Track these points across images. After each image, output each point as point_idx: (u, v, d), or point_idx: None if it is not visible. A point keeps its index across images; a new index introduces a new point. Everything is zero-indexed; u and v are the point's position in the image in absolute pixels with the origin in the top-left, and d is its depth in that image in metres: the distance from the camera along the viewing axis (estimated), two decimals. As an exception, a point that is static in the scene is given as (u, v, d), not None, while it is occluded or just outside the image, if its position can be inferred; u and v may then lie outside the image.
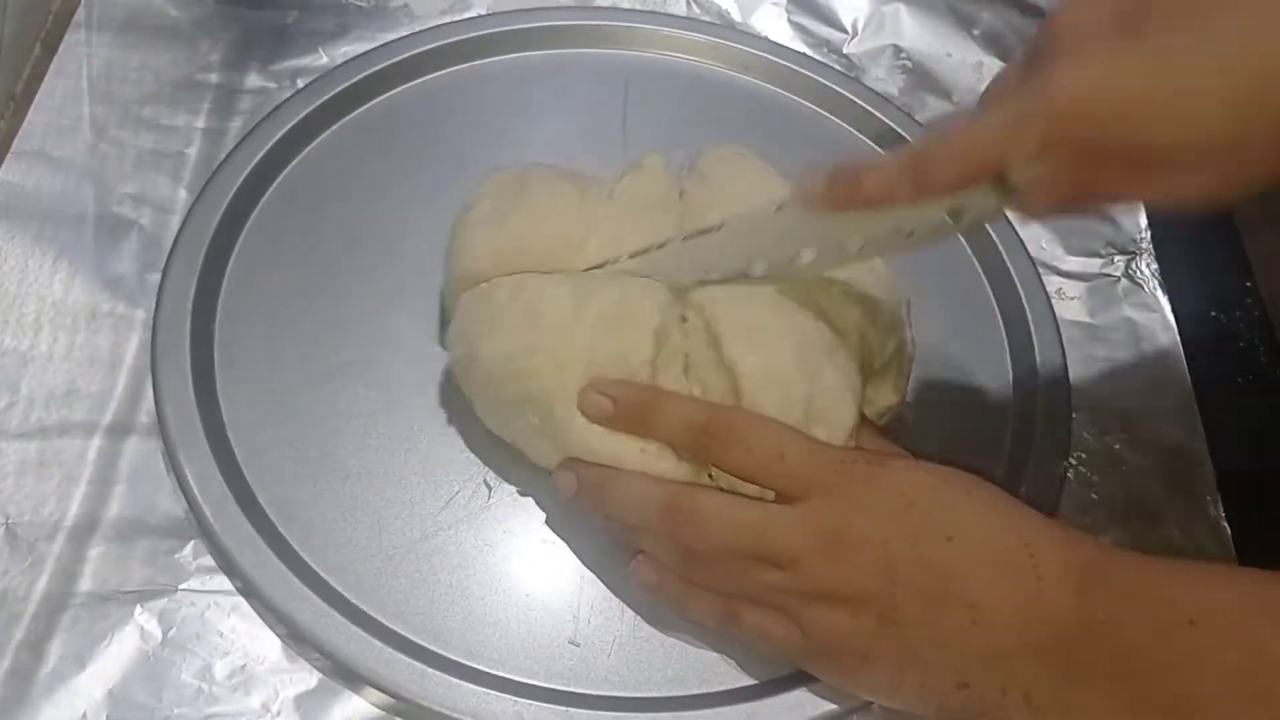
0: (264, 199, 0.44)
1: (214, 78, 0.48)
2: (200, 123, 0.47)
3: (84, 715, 0.33)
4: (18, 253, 0.42)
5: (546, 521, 0.38)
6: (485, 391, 0.36)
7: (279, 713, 0.34)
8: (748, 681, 0.35)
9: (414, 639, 0.34)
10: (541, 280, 0.36)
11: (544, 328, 0.34)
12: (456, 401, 0.39)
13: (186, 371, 0.38)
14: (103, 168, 0.45)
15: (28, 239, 0.42)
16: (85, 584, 0.35)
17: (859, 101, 0.50)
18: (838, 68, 0.53)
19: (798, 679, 0.34)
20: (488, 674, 0.34)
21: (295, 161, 0.45)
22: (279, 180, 0.44)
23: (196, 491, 0.36)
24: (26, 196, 0.43)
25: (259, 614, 0.35)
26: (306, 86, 0.47)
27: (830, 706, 0.34)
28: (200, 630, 0.35)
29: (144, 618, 0.35)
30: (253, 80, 0.48)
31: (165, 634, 0.34)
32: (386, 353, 0.40)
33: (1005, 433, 0.42)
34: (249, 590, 0.35)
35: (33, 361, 0.39)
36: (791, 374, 0.34)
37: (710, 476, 0.34)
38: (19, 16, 0.47)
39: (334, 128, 0.46)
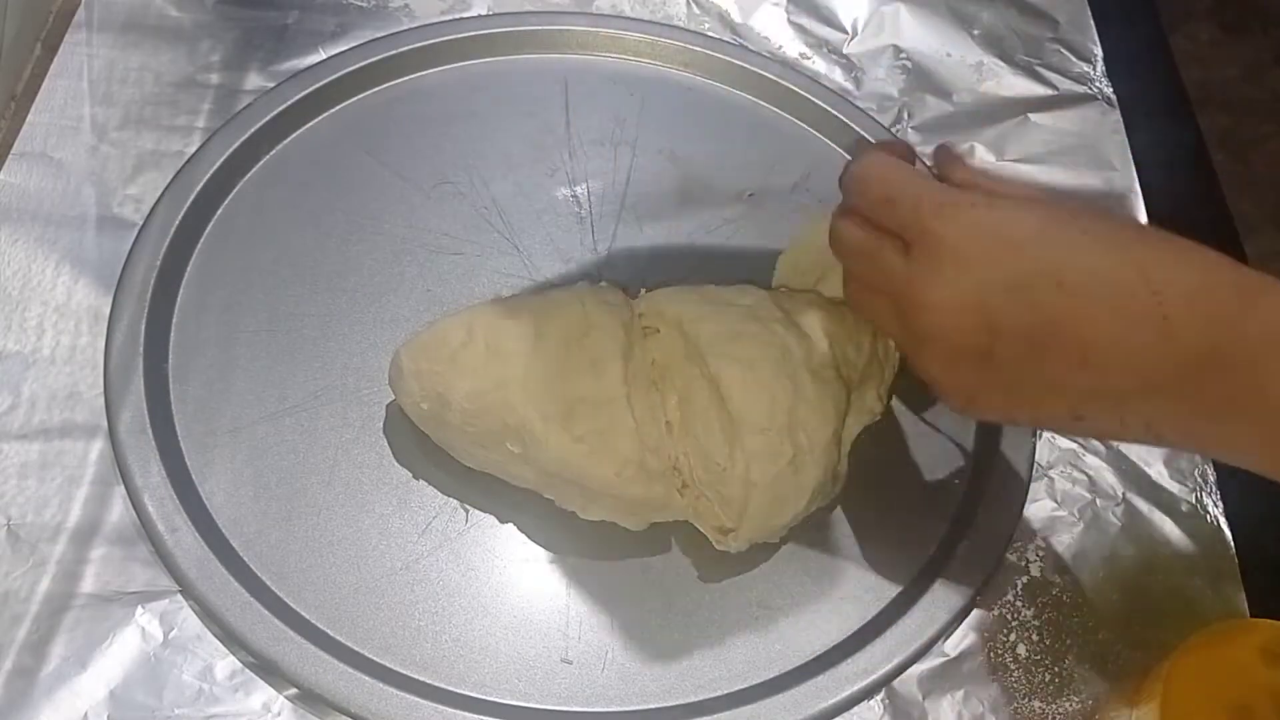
0: (214, 218, 0.43)
1: (214, 78, 0.48)
2: (201, 123, 0.47)
3: (85, 715, 0.33)
4: (20, 256, 0.42)
5: (528, 540, 0.37)
6: (462, 433, 0.36)
7: (279, 713, 0.34)
8: (742, 686, 0.35)
9: (403, 671, 0.34)
10: (495, 311, 0.36)
11: (510, 358, 0.35)
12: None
13: (144, 417, 0.37)
14: (104, 169, 0.45)
15: (30, 242, 0.42)
16: (87, 585, 0.35)
17: (807, 96, 0.50)
18: (789, 65, 0.52)
19: (792, 679, 0.35)
20: (482, 700, 0.34)
21: (244, 180, 0.44)
22: (229, 199, 0.44)
23: (170, 546, 0.35)
24: (28, 198, 0.43)
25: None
26: (252, 104, 0.46)
27: (825, 704, 0.34)
28: (201, 631, 0.35)
29: (145, 619, 0.35)
30: (253, 80, 0.48)
31: (166, 635, 0.35)
32: (349, 380, 0.39)
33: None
34: (231, 638, 0.34)
35: (35, 364, 0.39)
36: (775, 384, 0.34)
37: (681, 489, 0.35)
38: (20, 17, 0.47)
39: (285, 142, 0.45)
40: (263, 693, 0.34)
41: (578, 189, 0.46)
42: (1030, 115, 0.53)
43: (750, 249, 0.45)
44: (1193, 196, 0.51)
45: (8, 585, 0.35)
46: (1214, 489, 0.42)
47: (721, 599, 0.37)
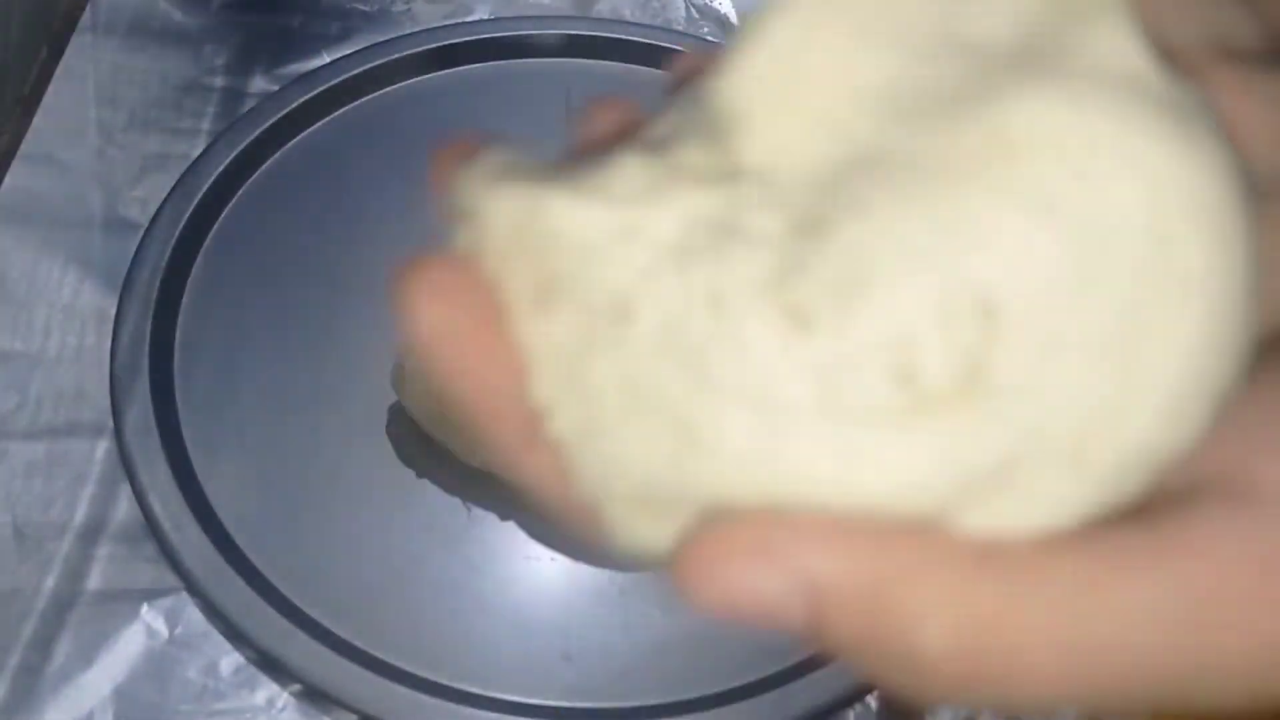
0: (219, 220, 0.43)
1: (219, 81, 0.49)
2: (206, 125, 0.47)
3: (91, 712, 0.33)
4: (27, 257, 0.42)
5: (530, 538, 0.38)
6: (464, 433, 0.36)
7: (283, 708, 0.34)
8: (741, 682, 0.35)
9: (406, 667, 0.34)
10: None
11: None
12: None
13: (150, 416, 0.37)
14: (110, 171, 0.45)
15: (36, 243, 0.43)
16: (93, 583, 0.36)
17: None
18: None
19: (791, 675, 0.35)
20: (482, 696, 0.34)
21: (249, 182, 0.44)
22: (234, 201, 0.44)
23: (176, 544, 0.35)
24: (34, 200, 0.44)
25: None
26: (256, 107, 0.46)
27: (823, 701, 0.34)
28: (206, 628, 0.35)
29: (151, 615, 0.35)
30: (258, 84, 0.49)
31: (172, 631, 0.35)
32: (354, 380, 0.40)
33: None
34: (235, 635, 0.34)
35: (42, 364, 0.40)
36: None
37: None
38: (25, 20, 0.47)
39: (290, 145, 0.45)
40: (267, 689, 0.34)
41: (579, 191, 0.46)
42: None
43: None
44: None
45: (14, 583, 0.35)
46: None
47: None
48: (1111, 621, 0.12)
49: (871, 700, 0.35)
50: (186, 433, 0.38)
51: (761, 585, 0.12)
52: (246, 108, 0.47)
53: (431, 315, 0.14)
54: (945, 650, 0.12)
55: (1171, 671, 0.12)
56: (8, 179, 0.44)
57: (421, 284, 0.14)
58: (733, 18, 0.55)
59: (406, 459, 0.39)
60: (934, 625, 0.12)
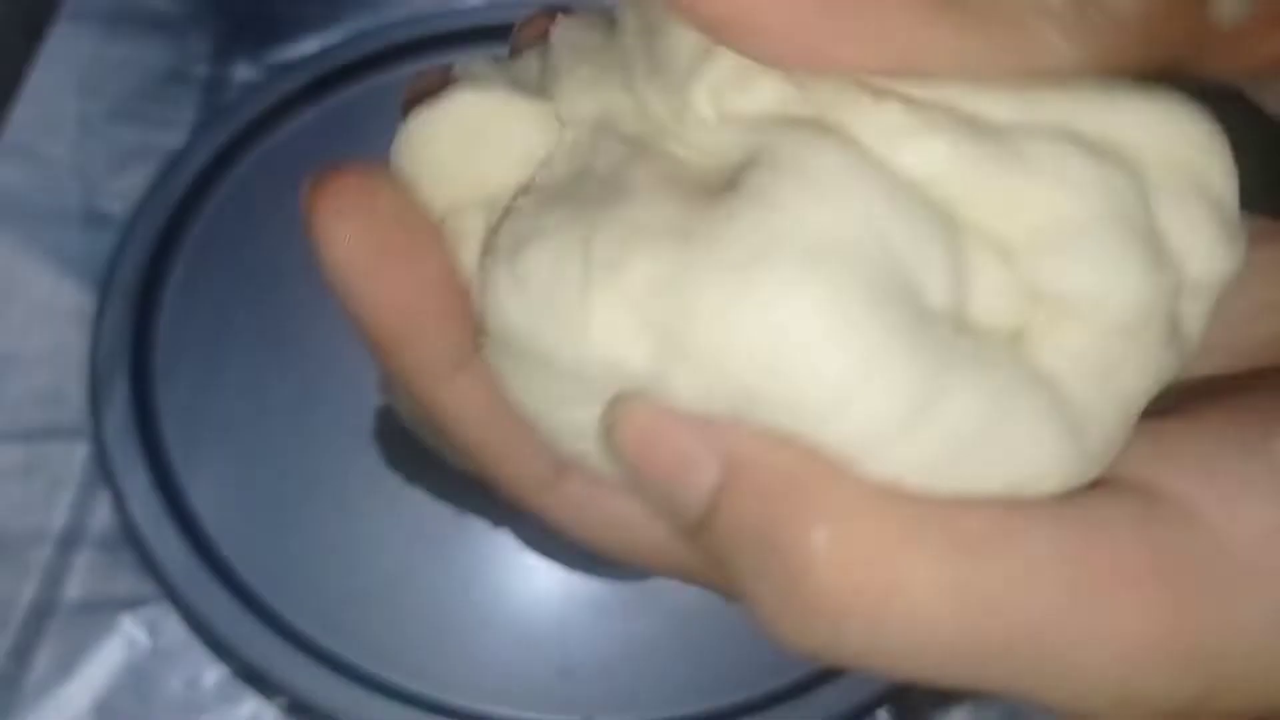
0: (202, 215, 0.42)
1: (203, 69, 0.47)
2: (190, 116, 0.46)
3: (70, 726, 0.33)
4: (2, 252, 0.41)
5: (525, 546, 0.37)
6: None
7: (268, 723, 0.33)
8: (744, 697, 0.34)
9: (395, 681, 0.33)
10: None
11: None
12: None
13: (130, 419, 0.36)
14: (89, 163, 0.44)
15: (14, 238, 0.41)
16: (72, 591, 0.35)
17: None
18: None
19: (797, 690, 0.34)
20: (475, 711, 0.33)
21: (233, 175, 0.43)
22: (217, 195, 0.42)
23: (157, 552, 0.34)
24: (12, 194, 0.43)
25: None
26: (241, 96, 0.45)
27: (830, 716, 0.33)
28: (189, 639, 0.34)
29: (132, 626, 0.34)
30: (242, 72, 0.47)
31: (154, 642, 0.34)
32: (342, 381, 0.38)
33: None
34: (218, 646, 0.34)
35: (19, 363, 0.39)
36: None
37: None
38: (3, 8, 0.46)
39: (276, 136, 0.44)
40: (252, 702, 0.33)
41: (575, 183, 0.45)
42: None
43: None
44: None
45: (-10, 592, 0.34)
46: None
47: (723, 608, 0.35)
48: (999, 578, 0.12)
49: (882, 713, 0.34)
50: (168, 436, 0.37)
51: (686, 441, 0.12)
52: (231, 97, 0.45)
53: (341, 236, 0.14)
54: (826, 569, 0.11)
55: (1046, 641, 0.12)
56: (-15, 172, 0.43)
57: (331, 204, 0.14)
58: None
59: (395, 464, 0.38)
60: (822, 539, 0.11)
